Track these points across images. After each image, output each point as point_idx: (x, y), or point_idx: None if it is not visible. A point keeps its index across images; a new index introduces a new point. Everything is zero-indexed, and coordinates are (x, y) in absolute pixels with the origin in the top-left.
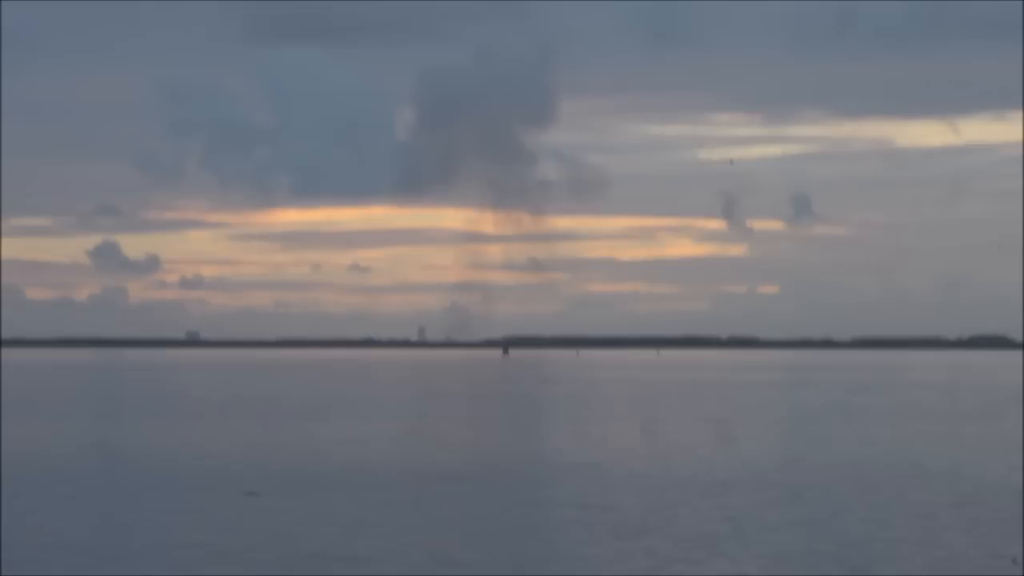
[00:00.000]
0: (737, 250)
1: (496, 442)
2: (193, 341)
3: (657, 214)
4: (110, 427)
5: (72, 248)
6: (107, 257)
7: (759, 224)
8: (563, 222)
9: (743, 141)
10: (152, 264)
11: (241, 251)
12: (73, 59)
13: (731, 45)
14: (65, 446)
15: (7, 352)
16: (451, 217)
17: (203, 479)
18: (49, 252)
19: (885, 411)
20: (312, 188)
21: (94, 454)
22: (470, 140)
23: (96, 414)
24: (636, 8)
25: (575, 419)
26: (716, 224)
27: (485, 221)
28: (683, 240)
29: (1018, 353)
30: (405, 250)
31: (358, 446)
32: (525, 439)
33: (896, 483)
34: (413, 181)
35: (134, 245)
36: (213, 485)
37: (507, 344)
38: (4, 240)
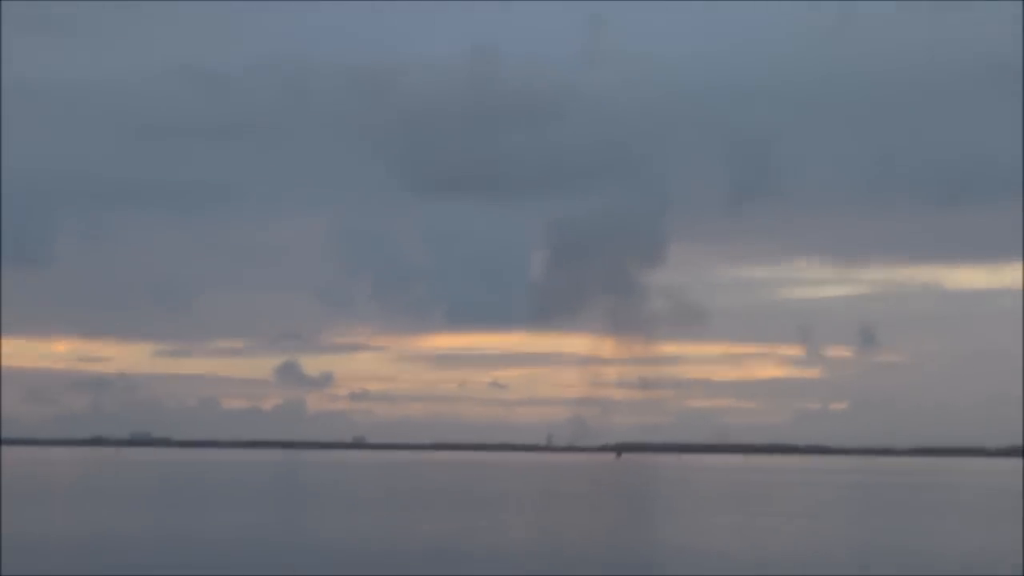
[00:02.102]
0: (812, 373)
1: (616, 529)
2: (359, 444)
3: (746, 342)
4: (301, 514)
5: (261, 366)
6: (289, 373)
7: (831, 351)
8: (668, 347)
9: (818, 282)
10: (326, 380)
11: (400, 370)
12: (265, 205)
13: (808, 202)
14: (264, 529)
15: (206, 452)
16: (576, 343)
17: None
18: (241, 369)
19: (934, 506)
20: (461, 317)
21: (290, 536)
22: (593, 278)
23: (286, 504)
24: (728, 172)
25: (682, 511)
26: (795, 351)
27: (604, 346)
28: (767, 364)
29: None
30: (536, 370)
31: (496, 533)
32: (642, 527)
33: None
34: (545, 312)
35: (312, 364)
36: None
37: (620, 449)
38: (205, 360)
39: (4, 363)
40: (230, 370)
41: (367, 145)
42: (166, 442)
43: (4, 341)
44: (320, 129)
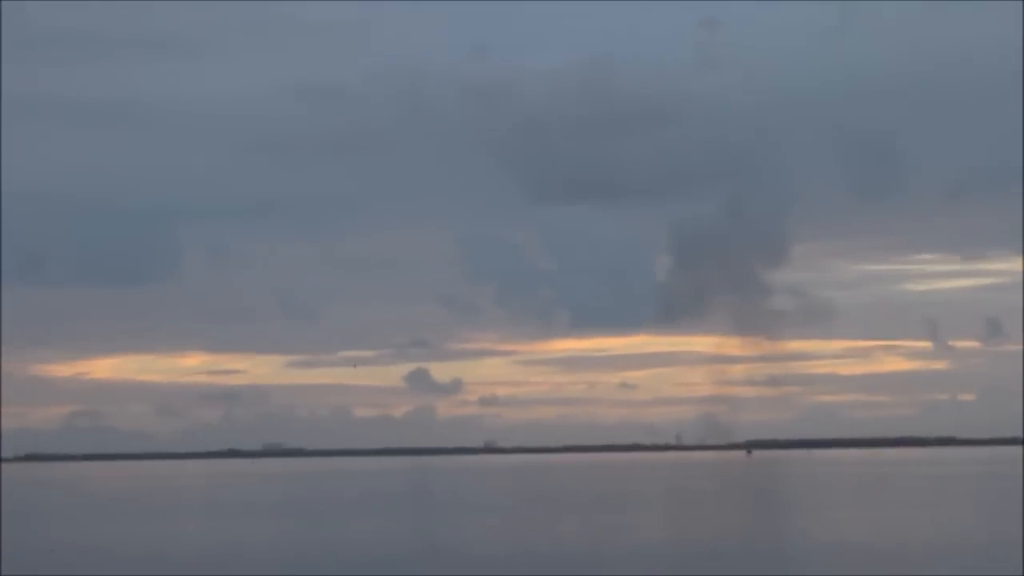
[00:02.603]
0: (939, 365)
1: (752, 526)
2: (491, 448)
3: (872, 337)
4: (438, 520)
5: (392, 374)
6: (419, 381)
7: (958, 343)
8: (795, 344)
9: (942, 276)
10: (456, 386)
11: (528, 374)
12: (387, 217)
13: (930, 197)
14: (402, 536)
15: (339, 461)
16: (702, 342)
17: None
18: (373, 378)
19: None
20: (586, 321)
21: (429, 542)
22: (718, 279)
23: (423, 511)
24: (849, 169)
25: (816, 507)
26: (922, 344)
27: (731, 345)
28: (895, 358)
29: None
30: (664, 370)
31: (634, 532)
32: (778, 523)
33: None
34: (670, 313)
35: (441, 371)
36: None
37: (750, 446)
38: (335, 369)
39: (137, 378)
40: (360, 379)
41: (486, 155)
42: (299, 452)
43: (134, 358)
44: (439, 140)
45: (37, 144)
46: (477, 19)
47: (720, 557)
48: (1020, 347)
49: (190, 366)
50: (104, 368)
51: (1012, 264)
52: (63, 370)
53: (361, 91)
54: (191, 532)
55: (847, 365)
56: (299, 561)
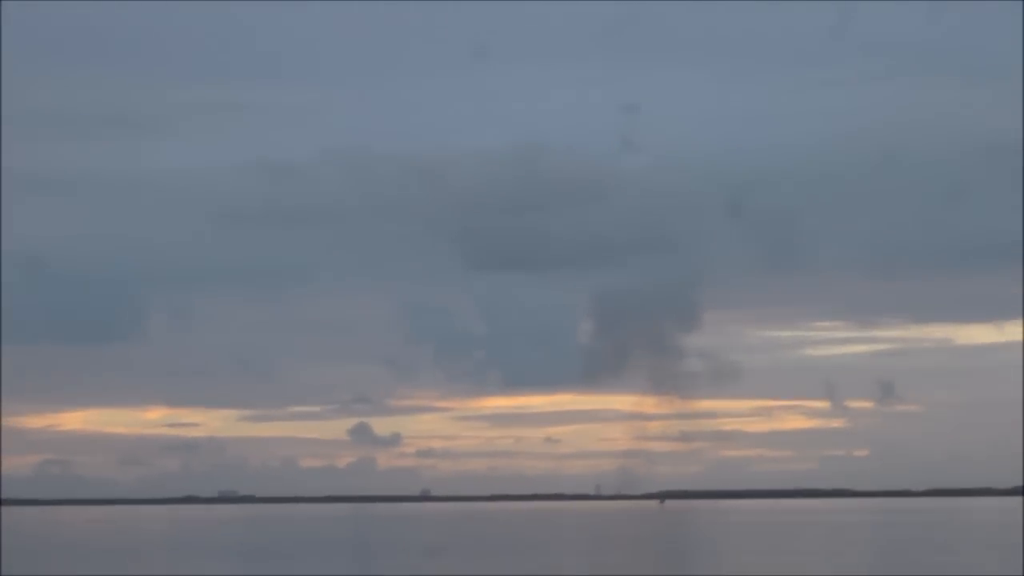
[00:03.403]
0: (836, 423)
1: (665, 568)
2: (426, 497)
3: (775, 397)
4: (378, 561)
5: (335, 427)
6: (361, 434)
7: (852, 403)
8: (705, 403)
9: (839, 342)
10: (395, 439)
11: (461, 429)
12: (334, 284)
13: (827, 271)
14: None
15: (287, 507)
16: (620, 401)
17: None
18: (318, 431)
19: (948, 541)
20: (515, 380)
21: None
22: (635, 343)
23: (364, 553)
24: (754, 246)
25: (723, 552)
26: (819, 404)
27: (647, 403)
28: (795, 416)
29: None
30: (585, 426)
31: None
32: (688, 566)
33: None
34: (591, 374)
35: (382, 425)
36: None
37: (663, 496)
38: (285, 423)
39: (103, 429)
40: (308, 432)
41: (425, 228)
42: (251, 499)
43: (101, 411)
44: (383, 213)
45: (10, 214)
46: (418, 105)
47: None
48: (909, 407)
49: (152, 419)
50: (73, 420)
51: (902, 331)
52: (35, 421)
53: (313, 168)
54: (155, 570)
55: (752, 422)
56: None
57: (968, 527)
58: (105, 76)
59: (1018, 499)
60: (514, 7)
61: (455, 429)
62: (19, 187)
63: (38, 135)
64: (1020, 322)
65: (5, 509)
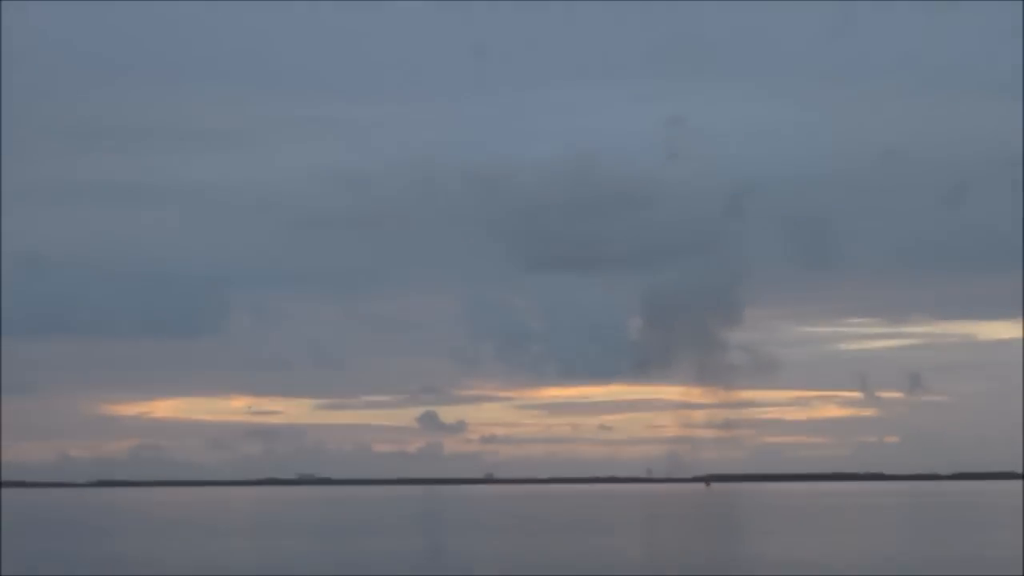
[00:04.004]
0: (868, 412)
1: (714, 546)
2: (489, 480)
3: (811, 388)
4: (446, 538)
5: (405, 415)
6: (429, 421)
7: (883, 394)
8: (747, 394)
9: (871, 337)
10: (460, 427)
11: (521, 416)
12: (403, 284)
13: (860, 270)
14: (415, 554)
15: (360, 489)
16: (669, 391)
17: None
18: (389, 419)
19: (973, 521)
20: (571, 372)
21: (437, 560)
22: (682, 337)
23: (433, 531)
24: (792, 247)
25: (769, 530)
26: (853, 394)
27: (693, 393)
28: (830, 406)
29: None
30: (636, 415)
31: (609, 550)
32: (735, 544)
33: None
34: (642, 366)
35: (448, 413)
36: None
37: (708, 479)
38: (358, 412)
39: (191, 417)
40: (379, 419)
41: (487, 232)
42: (327, 481)
43: (189, 400)
44: (448, 219)
45: (110, 222)
46: (480, 119)
47: (690, 573)
48: (935, 397)
49: (235, 407)
50: (164, 408)
51: (929, 327)
52: (130, 409)
53: (382, 177)
54: (240, 549)
55: (790, 411)
56: (333, 572)
57: (991, 507)
58: (191, 93)
59: None
60: (569, 30)
61: (516, 417)
62: (114, 197)
63: (134, 149)
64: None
65: (102, 490)
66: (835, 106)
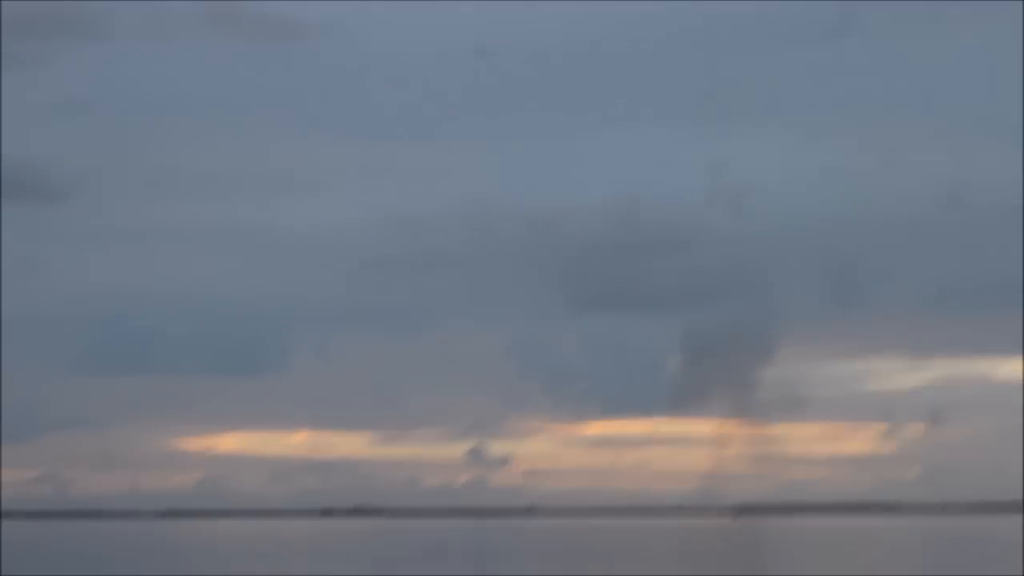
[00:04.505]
0: (892, 446)
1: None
2: (533, 511)
3: (838, 422)
4: (497, 564)
5: (454, 449)
6: (477, 455)
7: (907, 429)
8: (778, 428)
9: (897, 373)
10: (506, 460)
11: (564, 451)
12: (457, 323)
13: (885, 310)
14: None
15: (412, 521)
16: (704, 426)
17: None
18: (439, 452)
19: (999, 548)
20: (612, 408)
21: None
22: (717, 374)
23: (484, 558)
24: (823, 288)
25: (801, 558)
26: (880, 428)
27: (726, 428)
28: (856, 440)
29: None
30: (673, 449)
31: None
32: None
33: None
34: (679, 402)
35: (495, 447)
36: None
37: (736, 511)
38: (411, 445)
39: (253, 451)
40: (430, 453)
41: (536, 273)
42: (382, 512)
43: (252, 434)
44: (499, 260)
45: (180, 264)
46: (533, 162)
47: None
48: (957, 432)
49: (296, 441)
50: (228, 442)
51: (953, 366)
52: (195, 444)
53: (437, 221)
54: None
55: (819, 446)
56: None
57: (1010, 534)
58: (258, 140)
59: None
60: (615, 77)
61: (558, 451)
62: (185, 240)
63: (204, 193)
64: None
65: (169, 521)
66: (868, 150)
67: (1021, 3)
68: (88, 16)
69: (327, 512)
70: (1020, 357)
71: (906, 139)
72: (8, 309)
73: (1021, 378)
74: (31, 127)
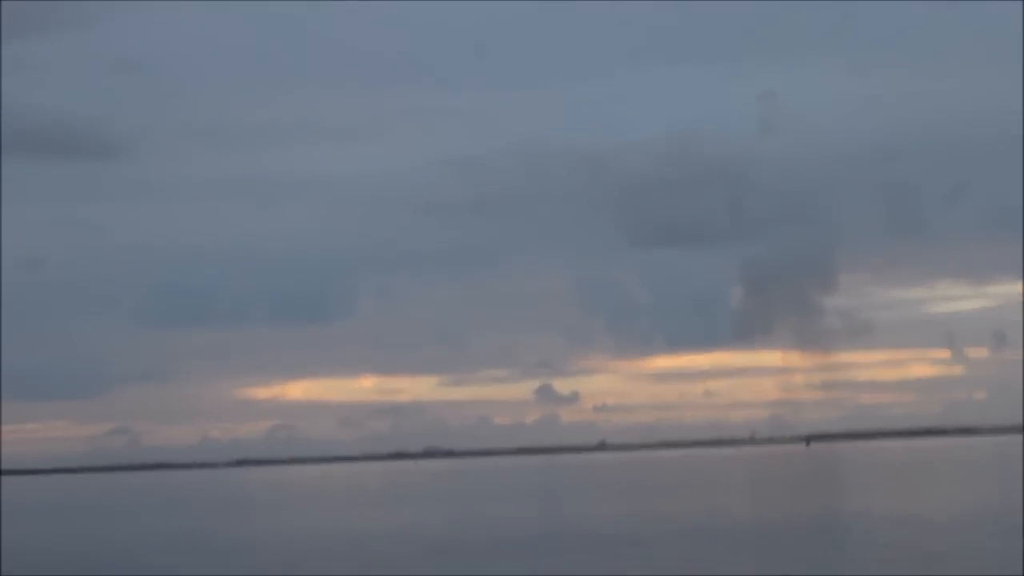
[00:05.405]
0: (956, 370)
1: (821, 500)
2: (602, 447)
3: (902, 348)
4: (569, 501)
5: (522, 389)
6: (545, 394)
7: (971, 352)
8: (842, 356)
9: (959, 298)
10: (574, 397)
11: (631, 386)
12: (517, 263)
13: (946, 234)
14: (547, 514)
15: (483, 460)
16: (769, 357)
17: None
18: (507, 392)
19: None
20: (676, 342)
21: (562, 523)
22: (780, 305)
23: (556, 497)
24: (881, 214)
25: (871, 484)
26: (942, 353)
27: (792, 358)
28: (921, 365)
29: None
30: (739, 380)
31: (723, 508)
32: (838, 497)
33: None
34: (743, 333)
35: (562, 385)
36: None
37: (809, 439)
38: (478, 387)
39: (322, 397)
40: (498, 394)
41: (594, 211)
42: (452, 453)
43: (319, 382)
44: (557, 200)
45: (242, 216)
46: (584, 104)
47: (799, 528)
48: (1020, 354)
49: (364, 387)
50: (297, 390)
51: (1012, 288)
52: (264, 392)
53: (495, 162)
54: (373, 519)
55: (883, 371)
56: (467, 535)
57: None
58: (315, 92)
59: None
60: (661, 14)
61: (625, 386)
62: (245, 192)
63: (261, 145)
64: None
65: (241, 469)
66: (919, 79)
67: (1021, 3)
68: None
69: (398, 455)
70: None
71: (955, 65)
72: (75, 266)
73: None
74: (83, 87)
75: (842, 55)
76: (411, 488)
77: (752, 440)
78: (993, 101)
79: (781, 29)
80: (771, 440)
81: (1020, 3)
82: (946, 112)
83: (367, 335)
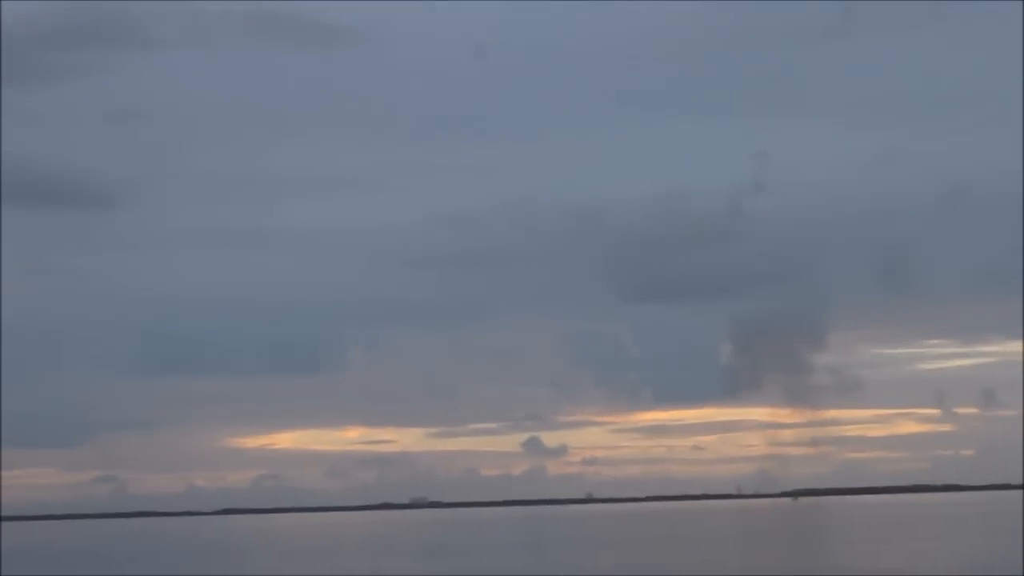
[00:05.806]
0: (946, 427)
1: (803, 555)
2: (589, 500)
3: (892, 406)
4: (554, 553)
5: (510, 441)
6: (533, 446)
7: (959, 410)
8: (831, 412)
9: (948, 356)
10: (562, 450)
11: (619, 440)
12: (507, 317)
13: (936, 293)
14: (533, 566)
15: (469, 511)
16: (758, 412)
17: None
18: (495, 444)
19: None
20: (665, 397)
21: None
22: (769, 361)
23: (541, 548)
24: (873, 273)
25: (855, 540)
26: (931, 411)
27: (780, 414)
28: (910, 422)
29: None
30: (727, 435)
31: (713, 565)
32: (824, 552)
33: None
34: (732, 389)
35: (550, 438)
36: None
37: (796, 494)
38: (466, 439)
39: (310, 447)
40: (486, 446)
41: (585, 266)
42: (438, 504)
43: (307, 432)
44: (547, 255)
45: (233, 266)
46: (577, 160)
47: None
48: (1012, 412)
49: (351, 437)
50: (284, 440)
51: (1004, 347)
52: (252, 442)
53: (486, 217)
54: (358, 568)
55: (872, 428)
56: None
57: None
58: (307, 143)
59: None
60: (656, 71)
61: (614, 440)
62: (237, 242)
63: (254, 197)
64: None
65: (228, 518)
66: (909, 140)
67: (1021, 3)
68: (131, 25)
69: (384, 506)
70: None
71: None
72: (64, 314)
73: None
74: (80, 137)
75: (839, 113)
76: (396, 538)
77: (739, 495)
78: (991, 160)
79: (775, 87)
80: (758, 495)
81: (1020, 28)
82: (942, 171)
83: (356, 386)
